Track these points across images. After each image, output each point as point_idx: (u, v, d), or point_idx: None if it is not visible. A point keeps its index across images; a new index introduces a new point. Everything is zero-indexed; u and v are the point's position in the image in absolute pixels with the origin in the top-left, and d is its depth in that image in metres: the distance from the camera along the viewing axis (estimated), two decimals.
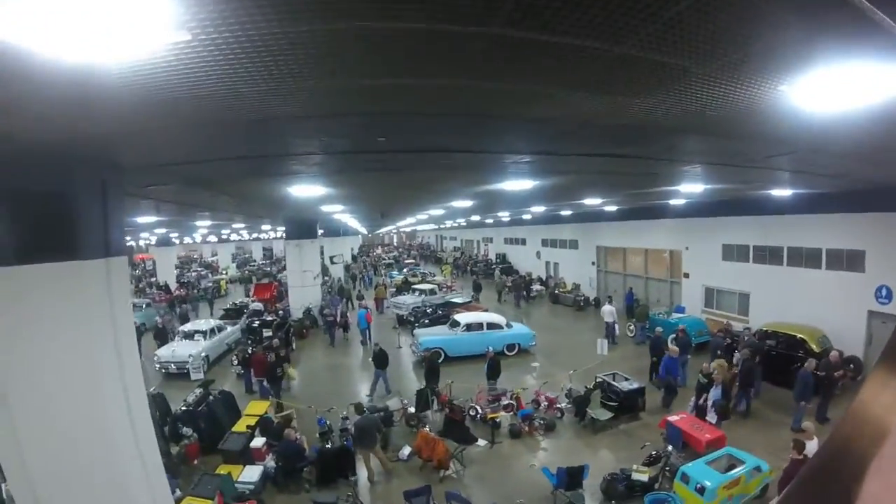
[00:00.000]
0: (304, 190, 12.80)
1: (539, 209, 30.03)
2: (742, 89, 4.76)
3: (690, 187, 16.37)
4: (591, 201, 23.68)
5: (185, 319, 33.36)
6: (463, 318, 25.98)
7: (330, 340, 28.25)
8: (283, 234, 37.63)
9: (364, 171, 10.37)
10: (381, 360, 20.00)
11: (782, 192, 18.93)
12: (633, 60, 4.03)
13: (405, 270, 55.99)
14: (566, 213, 35.68)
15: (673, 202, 24.81)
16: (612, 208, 30.05)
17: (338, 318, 29.79)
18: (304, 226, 31.20)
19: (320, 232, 36.50)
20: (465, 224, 60.43)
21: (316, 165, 9.23)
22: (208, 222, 27.54)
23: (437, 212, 28.44)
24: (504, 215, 36.82)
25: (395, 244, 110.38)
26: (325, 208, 20.04)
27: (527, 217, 42.31)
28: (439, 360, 20.79)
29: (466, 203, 20.78)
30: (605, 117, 6.01)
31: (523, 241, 54.35)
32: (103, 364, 7.32)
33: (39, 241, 6.64)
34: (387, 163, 9.18)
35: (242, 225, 35.15)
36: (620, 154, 8.93)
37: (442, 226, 71.49)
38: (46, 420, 6.84)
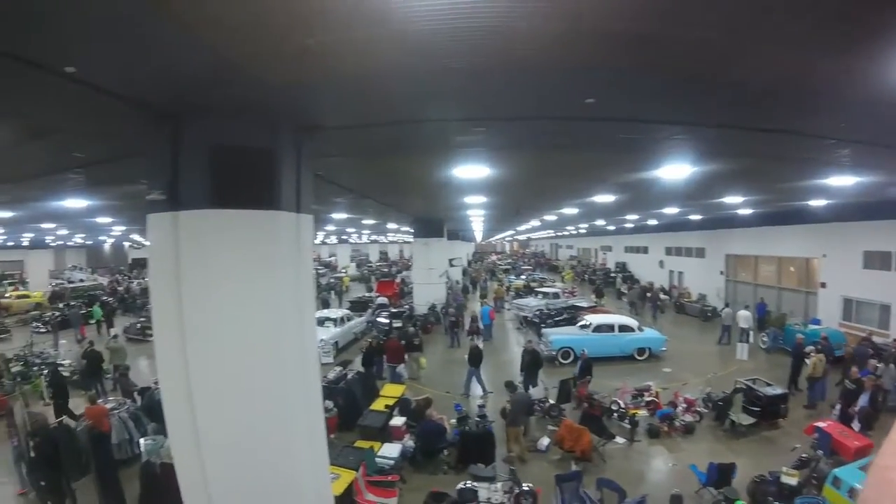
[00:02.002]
0: (468, 171, 12.75)
1: (672, 211, 29.09)
2: None
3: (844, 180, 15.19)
4: (732, 199, 22.63)
5: (325, 305, 34.58)
6: (594, 318, 25.73)
7: (450, 341, 28.33)
8: (392, 238, 38.09)
9: (543, 146, 10.32)
10: (475, 357, 20.13)
11: None
12: None
13: (522, 276, 56.00)
14: (694, 217, 34.49)
15: (813, 203, 23.35)
16: (745, 212, 28.74)
17: (460, 317, 29.99)
18: (431, 225, 31.86)
19: None
20: (584, 231, 59.45)
21: (501, 134, 9.26)
22: (344, 215, 28.18)
23: (569, 210, 28.05)
24: (632, 218, 35.83)
25: (508, 252, 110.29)
26: (470, 199, 20.07)
27: (652, 223, 41.09)
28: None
29: (608, 198, 20.36)
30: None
31: (645, 250, 53.08)
32: (286, 316, 7.56)
33: (242, 188, 7.04)
34: (576, 135, 9.12)
35: (372, 221, 35.83)
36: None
37: (559, 233, 70.85)
38: (223, 362, 7.13)
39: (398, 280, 47.16)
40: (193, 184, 6.87)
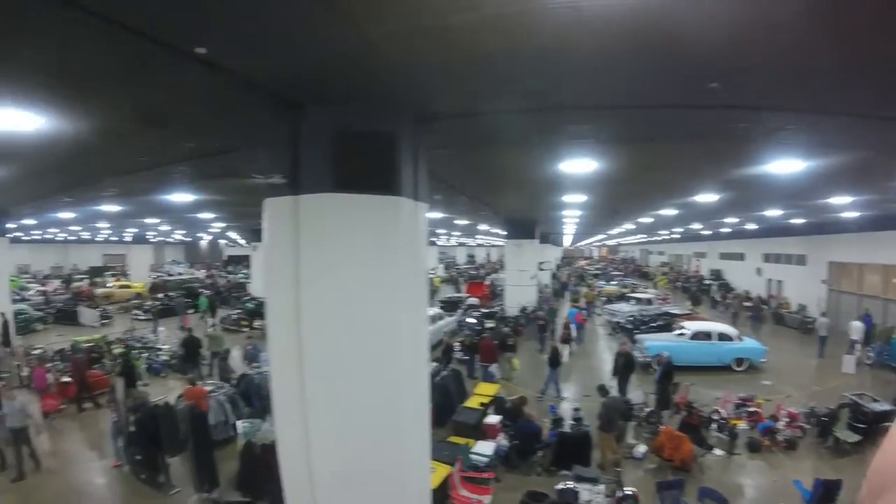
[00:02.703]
0: (574, 166, 12.40)
1: (774, 213, 27.62)
2: None
3: None
4: (840, 200, 21.07)
5: None
6: (691, 325, 24.94)
7: (539, 345, 27.69)
8: (479, 240, 37.96)
9: (654, 138, 9.95)
10: (555, 359, 19.91)
11: None
12: None
13: (613, 282, 55.11)
14: (795, 222, 32.74)
15: None
16: (851, 215, 26.63)
17: (549, 321, 29.53)
18: (524, 226, 31.46)
19: None
20: (677, 236, 57.85)
21: (615, 124, 9.00)
22: (439, 214, 28.14)
23: (667, 212, 27.15)
24: (730, 221, 34.40)
25: (596, 257, 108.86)
26: (569, 198, 19.63)
27: (749, 227, 39.30)
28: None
29: (710, 198, 19.46)
30: None
31: (741, 257, 50.98)
32: (402, 303, 7.51)
33: (364, 173, 7.06)
34: (691, 124, 8.74)
35: (465, 221, 35.78)
36: None
37: (650, 238, 69.40)
38: (337, 346, 7.17)
39: (488, 282, 47.12)
40: (316, 168, 6.95)
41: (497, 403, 15.92)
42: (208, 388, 15.49)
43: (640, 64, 5.87)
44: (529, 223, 31.46)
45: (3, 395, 13.56)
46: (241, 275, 59.33)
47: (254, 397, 16.04)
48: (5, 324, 24.50)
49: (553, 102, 7.62)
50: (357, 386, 7.19)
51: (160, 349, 23.88)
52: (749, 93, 7.08)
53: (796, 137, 9.59)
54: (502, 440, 14.03)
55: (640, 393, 17.50)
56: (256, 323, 29.28)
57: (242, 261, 69.61)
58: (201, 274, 64.81)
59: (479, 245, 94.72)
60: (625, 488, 11.18)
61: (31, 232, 48.66)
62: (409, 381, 7.75)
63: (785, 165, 12.13)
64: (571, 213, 27.39)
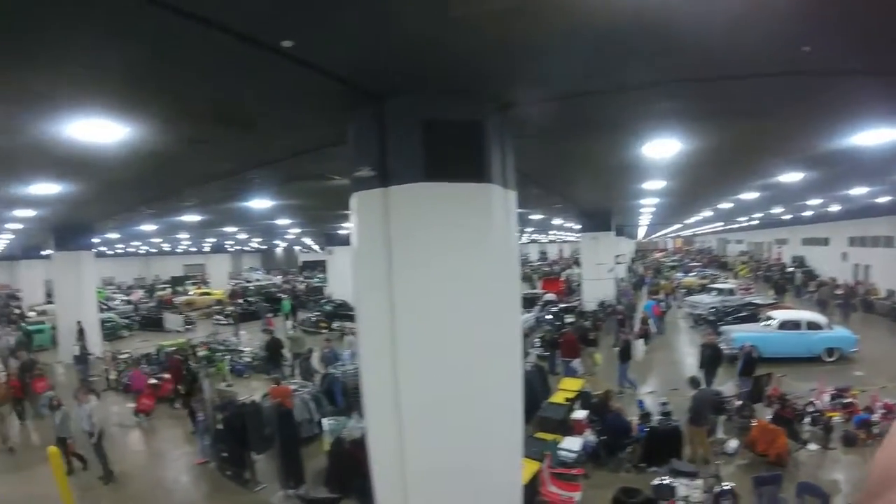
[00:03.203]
0: (656, 148, 11.99)
1: (860, 191, 25.85)
2: None
3: None
4: None
5: None
6: (778, 315, 24.03)
7: (615, 339, 26.52)
8: (552, 236, 37.55)
9: (741, 112, 9.43)
10: (625, 353, 19.56)
11: None
12: None
13: (691, 274, 53.84)
14: (883, 200, 30.12)
15: None
16: None
17: (627, 316, 28.84)
18: (599, 218, 30.88)
19: None
20: (756, 223, 55.75)
21: (701, 100, 8.62)
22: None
23: (748, 196, 25.84)
24: (814, 203, 32.59)
25: (671, 249, 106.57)
26: (649, 184, 19.03)
27: (833, 209, 37.00)
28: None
29: (795, 177, 18.37)
30: None
31: (825, 241, 48.69)
32: (497, 294, 7.42)
33: (454, 161, 7.00)
34: (782, 94, 8.29)
35: (539, 216, 35.43)
36: None
37: (728, 226, 67.34)
38: (432, 339, 7.11)
39: (563, 277, 46.72)
40: (404, 158, 6.92)
41: (583, 398, 15.61)
42: (292, 387, 15.76)
43: (741, 30, 5.61)
44: (605, 215, 30.86)
45: (79, 397, 13.89)
46: (317, 279, 60.63)
47: (337, 395, 16.26)
48: (81, 331, 25.49)
49: (650, 78, 7.35)
50: (451, 380, 7.08)
51: (242, 351, 24.76)
52: (844, 55, 6.67)
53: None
54: (589, 436, 13.72)
55: (731, 385, 16.89)
56: (335, 325, 30.38)
57: (317, 266, 70.88)
58: (278, 280, 67.09)
59: (550, 241, 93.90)
60: (723, 483, 10.76)
61: (115, 246, 51.97)
62: (503, 375, 7.63)
63: (877, 136, 11.41)
64: (649, 201, 26.60)
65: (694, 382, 14.43)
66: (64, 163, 10.67)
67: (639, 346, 22.83)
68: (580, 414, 14.44)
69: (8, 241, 35.74)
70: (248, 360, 23.69)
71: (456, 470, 7.18)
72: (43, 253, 38.49)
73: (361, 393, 8.50)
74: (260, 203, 19.64)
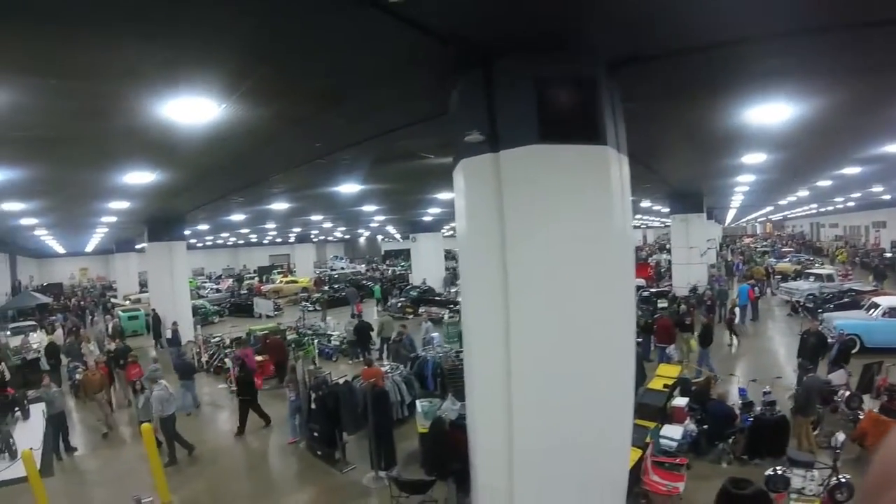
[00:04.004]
0: (766, 113, 11.16)
1: None
2: None
3: None
4: None
5: None
6: (884, 301, 22.58)
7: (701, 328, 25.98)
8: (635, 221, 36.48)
9: (858, 68, 8.72)
10: (706, 337, 19.05)
11: None
12: None
13: (785, 259, 51.78)
14: None
15: None
16: None
17: (717, 302, 27.78)
18: (690, 199, 30.02)
19: None
20: (852, 204, 52.82)
21: (823, 52, 7.89)
22: None
23: (851, 170, 24.03)
24: None
25: (760, 234, 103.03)
26: (748, 158, 17.76)
27: None
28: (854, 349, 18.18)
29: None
30: None
31: None
32: (613, 262, 6.99)
33: (569, 122, 6.61)
34: None
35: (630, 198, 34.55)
36: None
37: (822, 209, 64.41)
38: (548, 311, 6.69)
39: (651, 263, 45.74)
40: (516, 120, 6.58)
41: (682, 385, 14.97)
42: (385, 369, 15.72)
43: None
44: (696, 196, 29.93)
45: (154, 380, 14.25)
46: (399, 267, 62.16)
47: (429, 378, 16.28)
48: (156, 317, 27.02)
49: (783, 26, 6.73)
50: (566, 357, 6.69)
51: (330, 335, 25.48)
52: None
53: None
54: (690, 424, 13.13)
55: (841, 373, 15.87)
56: (421, 310, 31.54)
57: (399, 255, 74.80)
58: (362, 268, 68.87)
59: (635, 227, 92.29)
60: (840, 475, 10.07)
61: (204, 238, 54.69)
62: (618, 351, 7.21)
63: None
64: (745, 179, 25.19)
65: (803, 368, 13.65)
66: (159, 147, 10.74)
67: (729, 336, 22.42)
68: (680, 401, 13.80)
69: (103, 235, 37.40)
70: (336, 343, 24.33)
71: (564, 454, 6.81)
72: (137, 247, 41.54)
73: (466, 372, 8.27)
74: (348, 188, 19.60)
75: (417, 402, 13.70)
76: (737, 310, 25.79)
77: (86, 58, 6.21)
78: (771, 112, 11.07)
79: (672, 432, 12.56)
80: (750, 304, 27.92)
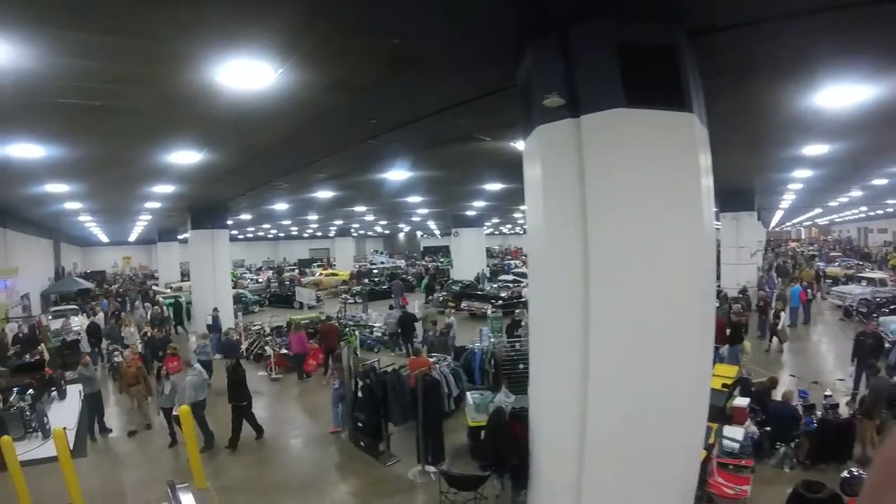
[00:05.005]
0: (838, 95, 10.42)
1: None
2: None
3: None
4: None
5: None
6: None
7: (760, 331, 24.82)
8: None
9: None
10: (737, 336, 18.81)
11: None
12: None
13: (835, 264, 50.67)
14: None
15: None
16: None
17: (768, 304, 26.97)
18: (742, 197, 29.14)
19: None
20: None
21: None
22: None
23: (879, 182, 23.18)
24: None
25: (805, 238, 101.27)
26: (809, 149, 16.90)
27: None
28: None
29: None
30: None
31: None
32: (699, 240, 6.49)
33: (652, 86, 6.17)
34: None
35: None
36: None
37: (870, 212, 62.81)
38: (632, 290, 6.20)
39: None
40: (598, 83, 6.21)
41: (742, 385, 14.31)
42: (432, 360, 15.24)
43: None
44: (747, 193, 29.09)
45: (189, 365, 14.20)
46: (439, 262, 62.69)
47: (476, 371, 15.90)
48: (178, 305, 28.54)
49: None
50: (649, 346, 6.22)
51: (372, 326, 25.62)
52: None
53: None
54: (751, 426, 12.54)
55: None
56: (463, 304, 31.96)
57: (438, 251, 76.32)
58: (401, 263, 69.40)
59: None
60: None
61: (246, 230, 56.83)
62: (701, 339, 6.72)
63: None
64: (801, 174, 23.83)
65: (872, 368, 13.11)
66: (208, 121, 10.44)
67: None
68: (741, 401, 13.19)
69: (146, 224, 38.01)
70: (378, 335, 24.45)
71: (639, 450, 6.38)
72: (179, 237, 42.93)
73: (533, 362, 7.87)
74: (395, 175, 19.23)
75: (468, 394, 13.34)
76: (782, 314, 24.90)
77: (142, 12, 5.86)
78: (844, 93, 10.35)
79: (734, 433, 12.02)
80: (801, 307, 27.23)
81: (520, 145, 13.29)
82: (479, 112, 10.21)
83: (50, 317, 28.37)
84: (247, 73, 7.73)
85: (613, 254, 6.18)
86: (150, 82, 8.15)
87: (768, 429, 12.46)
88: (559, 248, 6.63)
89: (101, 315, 28.18)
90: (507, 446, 9.65)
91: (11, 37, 6.16)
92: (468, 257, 41.00)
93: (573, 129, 6.25)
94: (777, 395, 13.61)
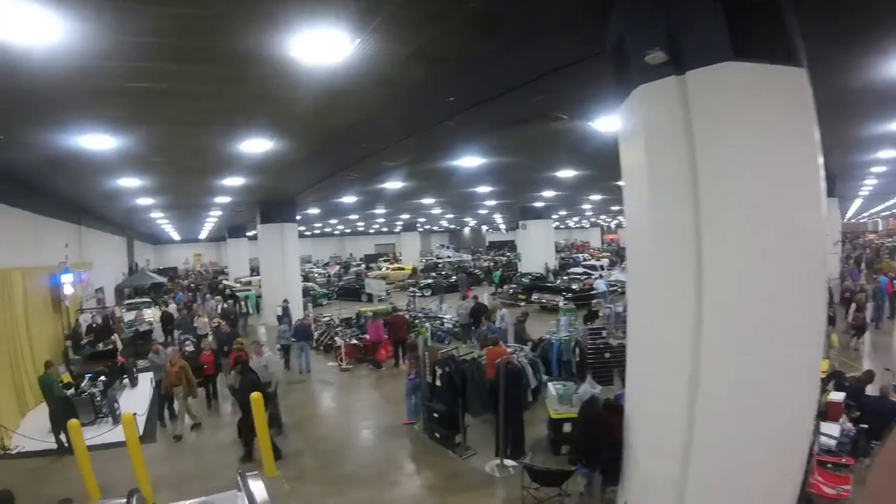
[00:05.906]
0: None
1: None
2: None
3: None
4: None
5: None
6: None
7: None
8: None
9: None
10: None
11: None
12: None
13: None
14: None
15: None
16: None
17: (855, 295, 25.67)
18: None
19: None
20: None
21: None
22: None
23: None
24: None
25: (882, 230, 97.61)
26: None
27: None
28: None
29: None
30: None
31: None
32: (818, 216, 5.96)
33: (762, 38, 5.68)
34: None
35: None
36: None
37: None
38: (750, 262, 5.68)
39: None
40: (703, 37, 5.73)
41: (836, 379, 13.52)
42: (509, 350, 14.82)
43: None
44: (829, 178, 27.10)
45: (254, 350, 14.18)
46: (504, 257, 63.05)
47: (553, 363, 15.70)
48: (286, 308, 27.64)
49: None
50: (768, 335, 5.71)
51: (443, 318, 25.74)
52: None
53: None
54: (846, 423, 11.78)
55: None
56: (534, 297, 32.24)
57: (503, 245, 78.38)
58: (466, 257, 70.00)
59: None
60: None
61: (313, 226, 59.18)
62: (815, 329, 6.10)
63: None
64: (887, 154, 22.28)
65: None
66: (279, 104, 10.33)
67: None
68: (836, 396, 12.41)
69: (216, 221, 38.79)
70: (449, 326, 24.43)
71: (750, 445, 5.90)
72: (248, 234, 43.97)
73: (630, 350, 7.47)
74: (467, 161, 18.92)
75: (550, 384, 12.95)
76: (868, 307, 23.64)
77: None
78: None
79: (830, 430, 11.25)
80: (888, 300, 26.08)
81: (598, 124, 12.87)
82: (559, 85, 9.70)
83: (124, 309, 29.20)
84: (322, 45, 7.41)
85: (730, 224, 5.65)
86: (219, 60, 7.91)
87: (864, 426, 11.63)
88: (666, 221, 6.15)
89: (173, 306, 29.28)
90: (600, 438, 9.14)
91: (76, 10, 5.98)
92: (536, 250, 40.77)
93: (679, 87, 5.79)
94: (872, 390, 12.83)
